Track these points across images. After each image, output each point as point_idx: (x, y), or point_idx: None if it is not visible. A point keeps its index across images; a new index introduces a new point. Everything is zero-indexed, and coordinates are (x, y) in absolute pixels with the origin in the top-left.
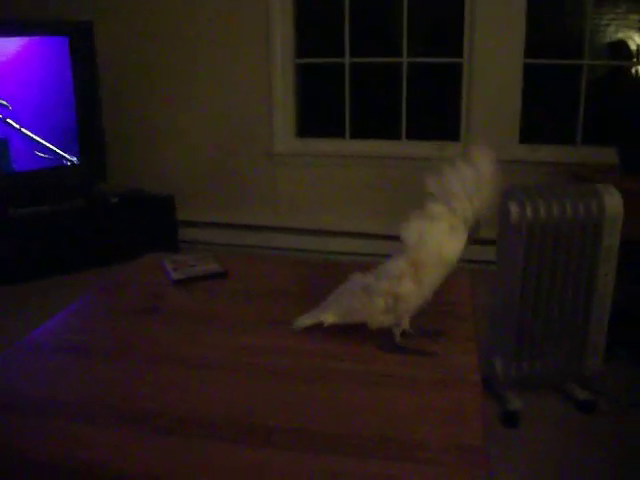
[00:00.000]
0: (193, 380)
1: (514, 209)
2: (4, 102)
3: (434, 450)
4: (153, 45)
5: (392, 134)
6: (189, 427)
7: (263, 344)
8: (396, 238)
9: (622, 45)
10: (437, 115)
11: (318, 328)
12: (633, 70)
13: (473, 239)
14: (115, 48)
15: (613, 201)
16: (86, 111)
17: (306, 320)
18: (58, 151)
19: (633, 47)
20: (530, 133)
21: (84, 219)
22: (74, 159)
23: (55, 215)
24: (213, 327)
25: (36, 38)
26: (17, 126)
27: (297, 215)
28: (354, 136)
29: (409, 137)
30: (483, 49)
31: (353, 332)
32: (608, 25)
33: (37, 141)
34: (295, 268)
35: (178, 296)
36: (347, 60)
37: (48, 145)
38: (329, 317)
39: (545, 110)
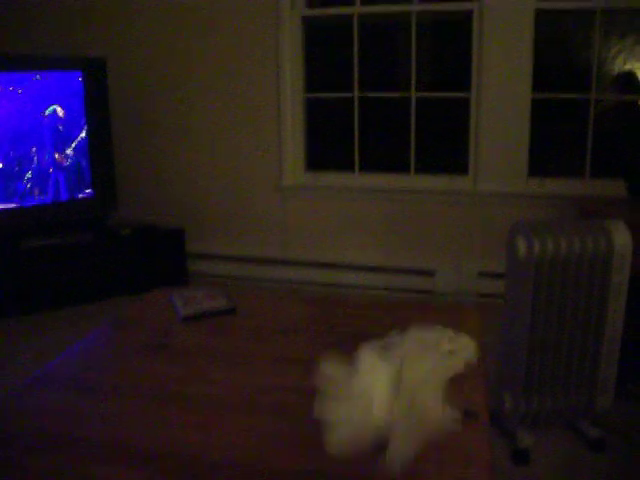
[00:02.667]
0: (200, 418)
1: (522, 245)
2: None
3: None
4: (164, 80)
5: (401, 168)
6: (196, 468)
7: (271, 382)
8: (404, 271)
9: (630, 76)
10: (446, 149)
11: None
12: None
13: None
14: (127, 84)
15: (622, 237)
16: (98, 145)
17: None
18: (71, 184)
19: None
20: (538, 166)
21: (95, 251)
22: (86, 192)
23: (66, 247)
24: (221, 365)
25: (50, 73)
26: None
27: (306, 248)
28: (363, 169)
29: (418, 171)
30: (490, 84)
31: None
32: (615, 57)
33: (50, 174)
34: (304, 304)
35: (187, 333)
36: (355, 94)
37: (61, 178)
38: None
39: (553, 143)
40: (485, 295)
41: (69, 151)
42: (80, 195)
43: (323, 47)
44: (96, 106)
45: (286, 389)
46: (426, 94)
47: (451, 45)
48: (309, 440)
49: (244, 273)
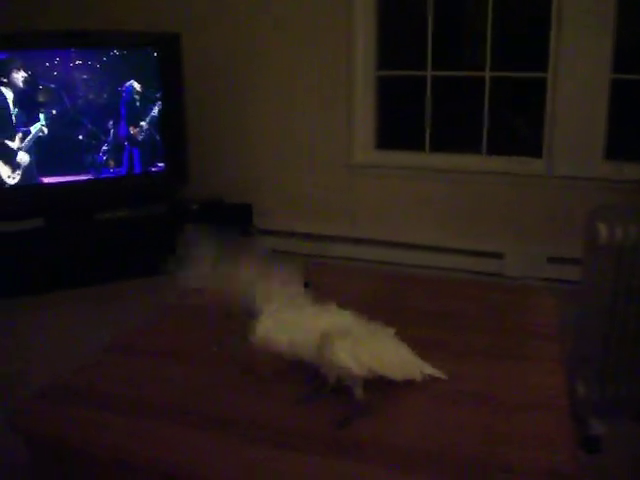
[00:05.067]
0: (266, 387)
1: (603, 230)
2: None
3: (524, 474)
4: (236, 58)
5: (472, 148)
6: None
7: None
8: (471, 253)
9: None
10: (518, 130)
11: None
12: None
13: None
14: (201, 60)
15: None
16: (171, 119)
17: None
18: (144, 158)
19: None
20: (616, 150)
21: (165, 225)
22: (159, 166)
23: (137, 220)
24: None
25: (127, 48)
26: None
27: (373, 227)
28: (434, 149)
29: (489, 152)
30: (569, 64)
31: (439, 345)
32: None
33: (125, 147)
34: (375, 281)
35: None
36: (429, 73)
37: (135, 151)
38: (282, 339)
39: (632, 126)
40: (554, 280)
41: (144, 125)
42: (153, 169)
43: (396, 25)
44: (170, 81)
45: None
46: (501, 74)
47: (528, 24)
48: (390, 414)
49: (309, 250)
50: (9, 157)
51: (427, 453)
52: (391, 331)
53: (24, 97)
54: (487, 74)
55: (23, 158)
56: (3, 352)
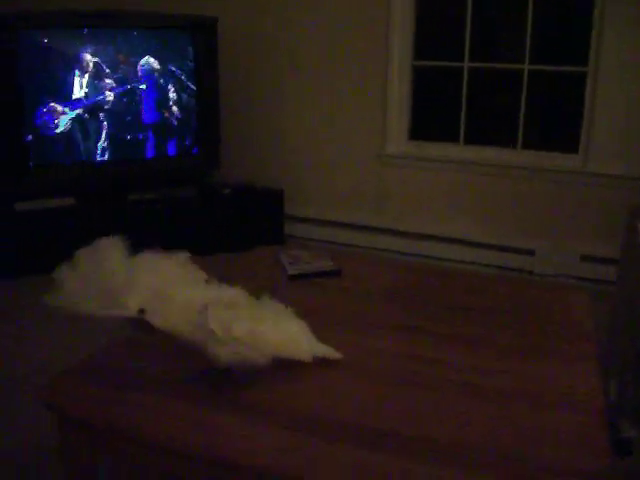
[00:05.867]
0: (319, 379)
1: None
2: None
3: (555, 473)
4: (272, 44)
5: (507, 142)
6: (310, 425)
7: (382, 346)
8: (502, 249)
9: None
10: (556, 125)
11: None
12: None
13: None
14: (236, 44)
15: None
16: (206, 104)
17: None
18: (178, 141)
19: None
20: None
21: (196, 208)
22: (192, 150)
23: (169, 203)
24: (333, 326)
25: (163, 31)
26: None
27: (403, 218)
28: (468, 142)
29: (525, 146)
30: (611, 58)
31: (473, 342)
32: None
33: (159, 130)
34: (407, 271)
35: (293, 290)
36: (466, 64)
37: (169, 134)
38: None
39: None
40: (586, 279)
41: (178, 109)
42: (186, 153)
43: (434, 14)
44: (206, 65)
45: (398, 355)
46: (540, 67)
47: (568, 16)
48: (419, 407)
49: (338, 238)
50: (49, 135)
51: (461, 449)
52: (288, 310)
53: (64, 76)
54: (526, 67)
55: (64, 136)
56: (43, 329)
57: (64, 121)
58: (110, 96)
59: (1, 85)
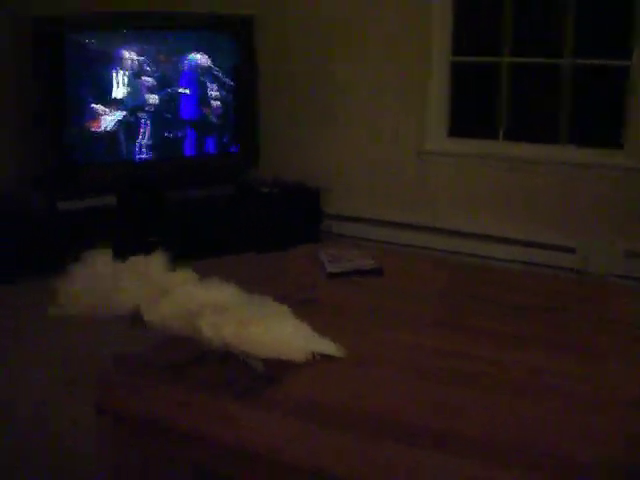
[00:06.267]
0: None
1: None
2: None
3: (600, 473)
4: (309, 43)
5: (549, 138)
6: (358, 422)
7: (430, 345)
8: (545, 247)
9: None
10: (600, 120)
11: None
12: None
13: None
14: (275, 42)
15: None
16: (245, 102)
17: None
18: (217, 139)
19: None
20: None
21: (235, 207)
22: (231, 148)
23: (208, 201)
24: (375, 323)
25: (203, 30)
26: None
27: (443, 215)
28: (508, 138)
29: (567, 142)
30: None
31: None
32: None
33: (199, 128)
34: (451, 269)
35: (333, 289)
36: (505, 60)
37: (208, 132)
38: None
39: None
40: (631, 278)
41: (217, 107)
42: (225, 151)
43: (473, 10)
44: (245, 63)
45: (448, 354)
46: (582, 61)
47: (611, 8)
48: (477, 407)
49: (377, 236)
50: (93, 135)
51: (504, 447)
52: (285, 309)
53: (108, 77)
54: (567, 61)
55: (107, 135)
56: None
57: (108, 121)
58: (153, 96)
59: (48, 86)
